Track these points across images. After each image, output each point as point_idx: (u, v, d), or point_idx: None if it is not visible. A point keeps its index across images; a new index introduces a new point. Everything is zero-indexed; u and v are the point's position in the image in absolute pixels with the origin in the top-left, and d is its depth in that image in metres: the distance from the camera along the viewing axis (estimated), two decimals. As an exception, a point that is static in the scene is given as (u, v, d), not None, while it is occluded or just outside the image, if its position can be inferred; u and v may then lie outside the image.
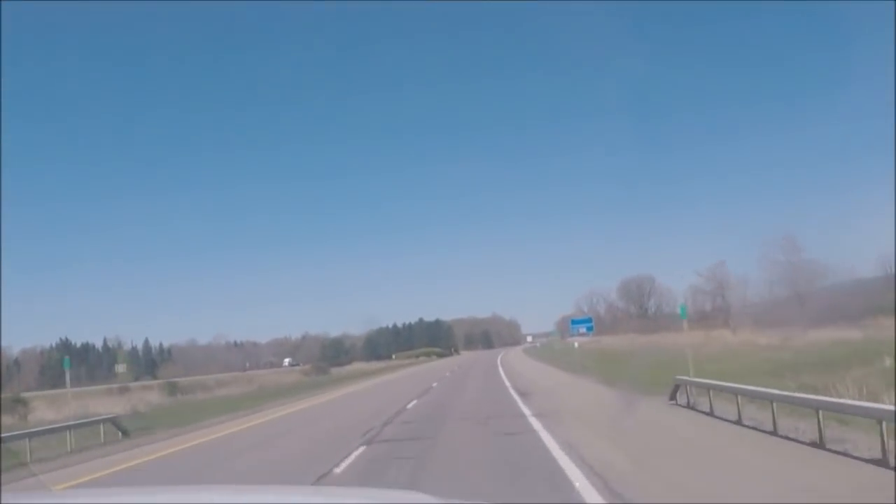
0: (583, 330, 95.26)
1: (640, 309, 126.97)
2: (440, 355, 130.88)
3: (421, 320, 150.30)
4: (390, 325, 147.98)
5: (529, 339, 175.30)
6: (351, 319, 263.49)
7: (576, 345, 52.40)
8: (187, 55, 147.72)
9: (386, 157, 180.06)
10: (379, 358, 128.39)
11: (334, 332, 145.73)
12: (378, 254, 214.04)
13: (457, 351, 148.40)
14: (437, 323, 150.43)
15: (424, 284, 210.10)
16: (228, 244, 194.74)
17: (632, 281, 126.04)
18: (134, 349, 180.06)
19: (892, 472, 8.15)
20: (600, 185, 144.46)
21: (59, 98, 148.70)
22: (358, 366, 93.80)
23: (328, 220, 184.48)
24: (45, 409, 31.71)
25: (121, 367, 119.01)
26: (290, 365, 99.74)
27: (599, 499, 8.04)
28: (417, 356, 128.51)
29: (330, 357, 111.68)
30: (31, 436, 17.98)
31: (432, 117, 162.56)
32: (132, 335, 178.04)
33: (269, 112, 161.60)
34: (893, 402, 10.82)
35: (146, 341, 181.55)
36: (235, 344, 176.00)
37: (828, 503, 7.41)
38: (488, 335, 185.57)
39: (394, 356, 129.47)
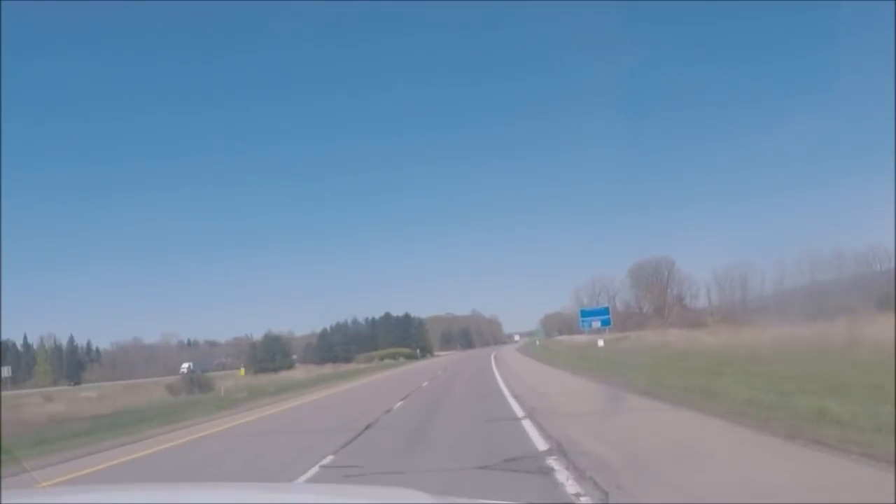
0: (597, 324, 71.15)
1: (656, 298, 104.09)
2: (408, 357, 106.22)
3: (388, 315, 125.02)
4: (349, 321, 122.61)
5: (517, 337, 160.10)
6: (319, 318, 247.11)
7: (600, 342, 31.79)
8: (175, 54, 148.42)
9: (364, 154, 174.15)
10: (335, 360, 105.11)
11: (301, 331, 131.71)
12: (351, 250, 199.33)
13: (429, 352, 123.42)
14: (407, 318, 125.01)
15: (400, 281, 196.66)
16: (194, 239, 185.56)
17: (647, 264, 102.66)
18: (57, 348, 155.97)
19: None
20: (587, 182, 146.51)
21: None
22: (290, 374, 69.53)
23: (299, 216, 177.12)
24: None
25: (5, 371, 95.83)
26: (189, 371, 75.82)
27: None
28: (382, 358, 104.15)
29: (263, 360, 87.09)
30: None
31: (415, 116, 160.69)
32: (68, 333, 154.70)
33: (244, 111, 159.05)
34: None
35: (71, 339, 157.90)
36: (188, 343, 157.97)
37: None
38: (468, 333, 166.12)
39: (355, 359, 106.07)
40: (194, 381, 38.79)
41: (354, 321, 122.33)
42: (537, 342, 59.30)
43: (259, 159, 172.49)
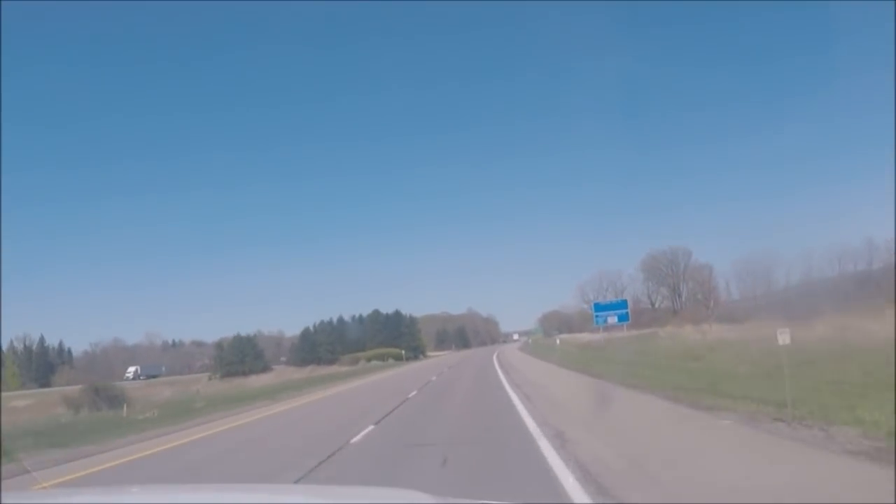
0: (613, 320, 61.79)
1: (671, 292, 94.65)
2: (398, 358, 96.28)
3: (377, 313, 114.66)
4: (335, 319, 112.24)
5: (515, 336, 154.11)
6: (311, 317, 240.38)
7: (784, 338, 19.18)
8: (176, 54, 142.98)
9: (358, 152, 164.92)
10: (318, 362, 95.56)
11: (292, 331, 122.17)
12: (344, 248, 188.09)
13: (421, 352, 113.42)
14: (398, 316, 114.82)
15: (394, 279, 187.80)
16: (182, 238, 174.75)
17: (661, 255, 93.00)
18: (27, 349, 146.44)
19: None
20: (585, 179, 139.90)
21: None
22: (258, 379, 60.07)
23: (293, 214, 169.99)
24: None
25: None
26: (135, 377, 65.87)
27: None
28: (369, 359, 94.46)
29: (231, 363, 77.39)
30: None
31: (411, 115, 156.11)
32: (50, 335, 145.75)
33: (234, 111, 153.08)
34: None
35: (41, 340, 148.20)
36: (173, 343, 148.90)
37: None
38: (464, 333, 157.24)
39: (339, 360, 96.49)
40: (100, 394, 29.16)
41: (340, 319, 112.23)
42: (557, 341, 47.94)
43: (250, 158, 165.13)
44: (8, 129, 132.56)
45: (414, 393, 26.55)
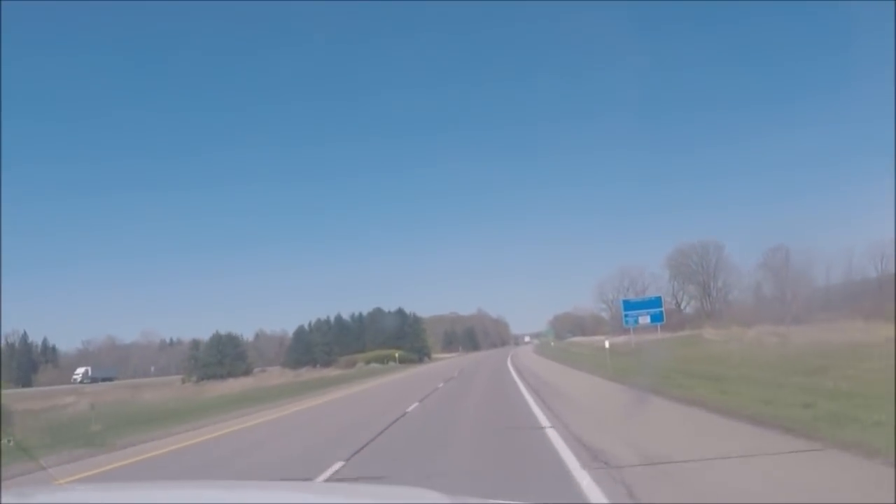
0: (645, 320, 52.80)
1: (700, 290, 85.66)
2: (401, 360, 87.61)
3: (378, 311, 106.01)
4: (332, 317, 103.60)
5: (527, 338, 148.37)
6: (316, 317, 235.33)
7: None
8: (174, 53, 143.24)
9: (370, 152, 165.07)
10: (314, 363, 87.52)
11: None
12: (352, 249, 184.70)
13: (427, 354, 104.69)
14: (401, 314, 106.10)
15: (403, 279, 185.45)
16: (183, 236, 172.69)
17: (690, 250, 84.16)
18: (10, 346, 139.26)
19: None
20: (597, 181, 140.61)
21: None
22: (234, 384, 51.90)
23: (302, 215, 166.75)
24: None
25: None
26: (84, 379, 57.68)
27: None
28: (368, 361, 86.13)
29: (209, 365, 69.03)
30: None
31: (425, 114, 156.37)
32: (41, 332, 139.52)
33: (232, 109, 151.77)
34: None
35: (24, 336, 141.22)
36: (170, 342, 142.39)
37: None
38: (473, 334, 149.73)
39: (336, 362, 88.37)
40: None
41: (338, 318, 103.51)
42: (606, 343, 37.29)
43: (261, 157, 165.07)
44: (8, 125, 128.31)
45: (334, 464, 10.55)
